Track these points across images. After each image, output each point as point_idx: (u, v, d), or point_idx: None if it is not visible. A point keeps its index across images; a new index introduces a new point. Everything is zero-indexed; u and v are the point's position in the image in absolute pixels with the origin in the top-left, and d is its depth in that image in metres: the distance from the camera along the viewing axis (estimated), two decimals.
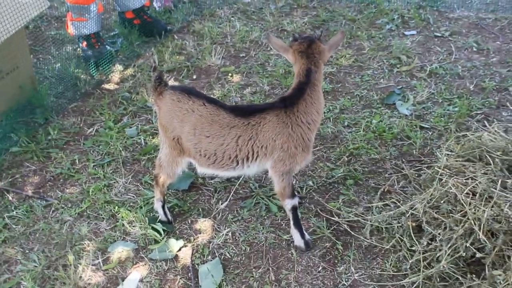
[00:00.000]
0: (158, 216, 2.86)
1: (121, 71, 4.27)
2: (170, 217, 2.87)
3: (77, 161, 3.37)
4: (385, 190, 2.92)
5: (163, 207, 2.84)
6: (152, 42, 4.66)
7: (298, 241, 2.66)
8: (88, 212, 2.98)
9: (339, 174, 3.06)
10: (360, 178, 3.02)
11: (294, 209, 2.61)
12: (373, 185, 2.98)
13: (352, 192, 2.94)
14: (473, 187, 2.47)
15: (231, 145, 2.51)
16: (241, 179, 3.08)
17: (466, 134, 2.80)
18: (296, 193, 2.68)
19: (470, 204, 2.41)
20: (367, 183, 3.00)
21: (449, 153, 2.78)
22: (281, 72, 4.00)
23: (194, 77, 4.12)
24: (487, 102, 3.51)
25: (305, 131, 2.51)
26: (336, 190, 2.98)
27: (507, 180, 2.47)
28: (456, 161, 2.69)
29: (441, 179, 2.61)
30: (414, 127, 3.36)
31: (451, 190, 2.49)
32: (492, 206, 2.37)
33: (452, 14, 4.68)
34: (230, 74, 4.08)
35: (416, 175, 2.95)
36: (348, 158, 3.19)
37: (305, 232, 2.66)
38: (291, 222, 2.65)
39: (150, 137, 3.51)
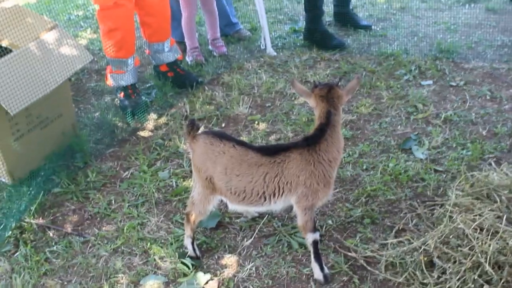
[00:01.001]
0: (187, 251, 3.06)
1: (155, 120, 4.55)
2: (198, 253, 3.06)
3: (113, 201, 3.62)
4: (400, 228, 3.09)
5: (192, 243, 3.05)
6: (184, 93, 4.94)
7: (318, 274, 2.83)
8: (122, 248, 3.20)
9: (357, 214, 3.24)
10: (377, 218, 3.20)
11: (315, 243, 2.78)
12: (388, 223, 3.15)
13: (369, 230, 3.11)
14: (480, 223, 2.64)
15: (259, 182, 2.73)
16: (265, 218, 3.28)
17: (474, 174, 2.99)
18: (317, 229, 2.87)
19: (477, 238, 2.58)
20: (383, 222, 3.17)
21: (459, 192, 2.96)
22: (304, 120, 4.22)
23: (223, 125, 4.38)
24: (499, 147, 3.66)
25: (327, 168, 2.71)
26: (354, 228, 3.16)
27: None
28: (466, 199, 2.87)
29: (451, 216, 2.79)
30: (429, 170, 3.53)
31: (459, 226, 2.67)
32: (498, 240, 2.54)
33: (467, 64, 4.87)
34: (256, 122, 4.33)
35: (430, 214, 3.12)
36: (366, 199, 3.36)
37: (324, 266, 2.82)
38: (312, 256, 2.82)
39: (181, 179, 3.74)
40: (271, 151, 2.77)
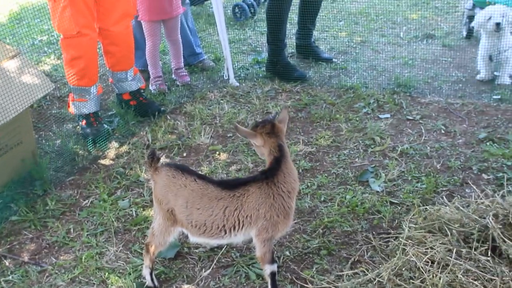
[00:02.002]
0: (146, 282, 3.07)
1: (116, 148, 4.56)
2: (156, 283, 3.07)
3: (72, 230, 3.60)
4: (356, 259, 3.15)
5: (151, 274, 3.05)
6: (147, 121, 4.97)
7: None
8: (80, 277, 3.18)
9: (314, 245, 3.29)
10: (333, 249, 3.25)
11: (272, 274, 2.84)
12: (345, 255, 3.21)
13: (326, 261, 3.16)
14: (432, 255, 2.73)
15: (219, 215, 2.76)
16: (223, 249, 3.30)
17: (427, 208, 3.08)
18: (275, 260, 2.91)
19: (428, 271, 2.67)
20: (340, 254, 3.22)
21: (413, 225, 3.05)
22: None
23: (184, 154, 4.41)
24: (452, 180, 3.78)
25: (286, 199, 2.78)
26: (310, 259, 3.20)
27: (462, 250, 2.73)
28: (418, 232, 2.95)
29: (405, 249, 2.87)
30: (385, 202, 3.62)
31: (412, 259, 2.75)
32: (448, 273, 2.62)
33: (423, 99, 5.02)
34: (217, 153, 4.37)
35: (385, 246, 3.19)
36: (323, 230, 3.42)
37: None
38: (269, 287, 2.86)
39: (141, 209, 3.75)
40: (230, 185, 2.82)
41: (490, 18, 5.09)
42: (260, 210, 2.75)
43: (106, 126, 4.78)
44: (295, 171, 2.86)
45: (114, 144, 4.62)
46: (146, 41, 5.49)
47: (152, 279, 3.05)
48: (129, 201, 3.85)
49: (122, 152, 4.51)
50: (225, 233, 2.81)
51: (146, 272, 3.06)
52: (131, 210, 3.75)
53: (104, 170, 4.24)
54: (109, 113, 5.18)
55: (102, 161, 4.39)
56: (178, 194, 2.82)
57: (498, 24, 5.05)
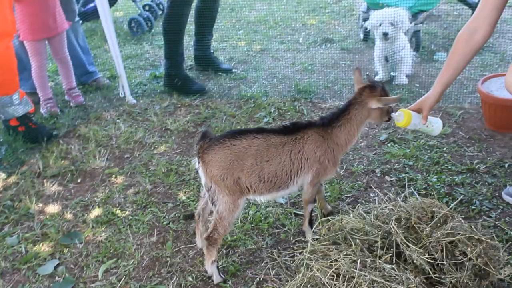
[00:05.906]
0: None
1: (4, 179, 4.21)
2: (224, 276, 3.05)
3: None
4: (261, 279, 3.00)
5: (217, 267, 3.02)
6: (37, 148, 4.64)
7: (309, 232, 3.20)
8: None
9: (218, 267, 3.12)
10: (238, 269, 3.09)
11: (312, 211, 3.17)
12: (250, 275, 3.05)
13: (230, 284, 3.00)
14: (337, 269, 2.61)
15: (287, 161, 2.87)
16: (122, 280, 3.07)
17: (329, 219, 2.97)
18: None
19: (334, 285, 2.54)
20: (245, 274, 3.06)
21: (317, 236, 2.93)
22: (163, 170, 4.09)
23: (79, 180, 4.13)
24: (356, 185, 3.72)
25: (335, 148, 2.99)
26: (214, 284, 3.02)
27: (367, 259, 2.63)
28: (323, 245, 2.83)
29: (309, 264, 2.74)
30: (289, 214, 3.50)
31: (316, 274, 2.62)
32: (354, 286, 2.51)
33: (324, 104, 4.97)
34: (114, 176, 4.12)
35: (290, 261, 3.06)
36: (227, 250, 3.26)
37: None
38: (306, 221, 3.19)
39: (31, 244, 3.45)
40: (291, 130, 2.93)
41: (380, 25, 5.12)
42: (317, 153, 2.92)
43: None
44: (353, 135, 3.02)
45: (1, 175, 4.27)
46: (31, 62, 5.15)
47: (219, 273, 3.02)
48: (18, 237, 3.54)
49: (10, 183, 4.17)
50: (291, 179, 2.92)
51: (213, 268, 3.00)
52: (20, 247, 3.44)
53: None
54: None
55: None
56: (245, 157, 2.80)
57: (385, 34, 5.09)
